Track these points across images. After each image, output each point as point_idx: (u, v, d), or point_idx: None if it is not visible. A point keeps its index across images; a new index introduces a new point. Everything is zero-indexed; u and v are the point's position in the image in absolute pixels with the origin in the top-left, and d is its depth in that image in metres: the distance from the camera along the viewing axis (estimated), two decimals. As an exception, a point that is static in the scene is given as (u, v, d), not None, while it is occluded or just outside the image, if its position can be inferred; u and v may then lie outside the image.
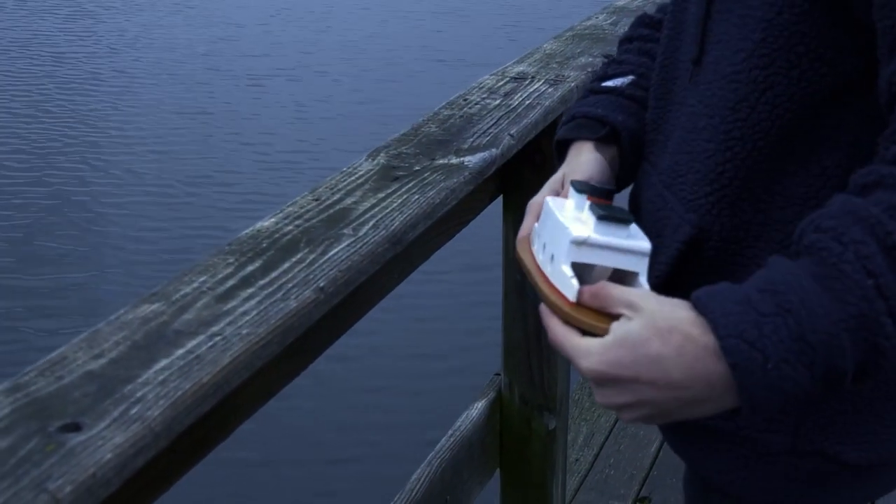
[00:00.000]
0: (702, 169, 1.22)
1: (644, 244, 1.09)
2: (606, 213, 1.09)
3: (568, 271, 1.08)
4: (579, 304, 1.06)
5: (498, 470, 2.36)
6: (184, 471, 1.19)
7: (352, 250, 1.35)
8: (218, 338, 1.12)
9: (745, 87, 1.16)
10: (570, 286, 1.07)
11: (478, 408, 2.25)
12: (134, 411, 0.98)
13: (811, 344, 0.94)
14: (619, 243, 1.08)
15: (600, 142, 1.39)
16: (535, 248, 1.19)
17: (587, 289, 1.05)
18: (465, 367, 5.34)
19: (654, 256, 1.16)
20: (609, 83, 1.46)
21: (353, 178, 1.57)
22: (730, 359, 0.95)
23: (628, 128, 1.39)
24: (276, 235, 1.36)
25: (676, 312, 0.99)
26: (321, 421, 5.18)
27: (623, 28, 2.55)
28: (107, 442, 0.94)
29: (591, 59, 2.27)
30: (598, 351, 1.00)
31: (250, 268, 1.27)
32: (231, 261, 1.29)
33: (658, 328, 0.98)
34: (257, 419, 1.35)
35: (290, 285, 1.24)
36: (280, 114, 9.94)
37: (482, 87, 2.04)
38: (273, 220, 1.41)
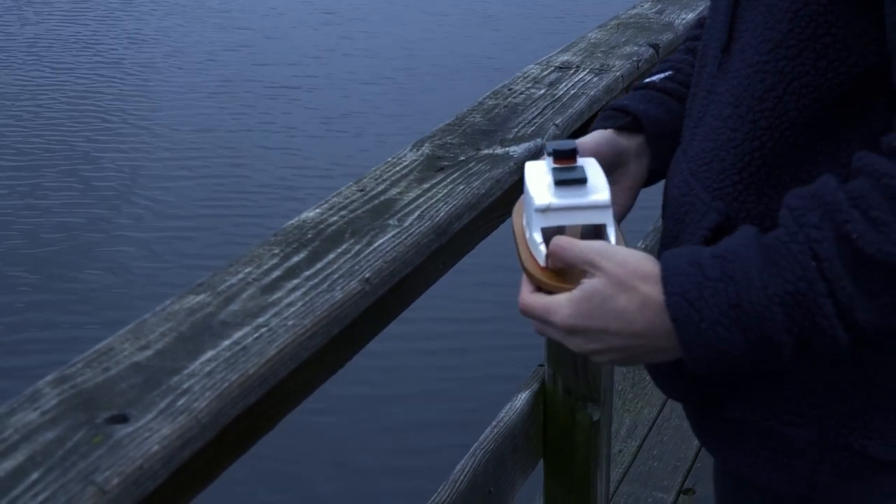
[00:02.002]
0: (728, 157, 1.21)
1: (601, 197, 1.16)
2: (563, 178, 1.16)
3: (538, 237, 1.17)
4: (549, 268, 1.15)
5: (541, 461, 2.35)
6: (229, 462, 1.18)
7: (397, 241, 1.34)
8: (264, 329, 1.11)
9: (773, 77, 1.15)
10: (539, 253, 1.16)
11: (521, 399, 2.24)
12: (180, 403, 0.98)
13: (746, 312, 1.01)
14: (579, 202, 1.16)
15: (625, 131, 1.42)
16: (524, 215, 1.25)
17: (551, 250, 1.13)
18: (509, 357, 5.33)
19: (680, 242, 1.24)
20: (647, 80, 1.50)
21: (397, 168, 1.56)
22: (671, 314, 1.04)
23: (651, 116, 1.42)
24: (322, 226, 1.36)
25: (642, 268, 1.08)
26: (364, 412, 5.18)
27: (668, 17, 2.53)
28: (154, 433, 0.94)
29: (636, 49, 2.24)
30: (566, 305, 1.10)
31: (296, 259, 1.27)
32: (276, 251, 1.28)
33: (622, 284, 1.07)
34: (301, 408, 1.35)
35: (335, 276, 1.24)
36: (325, 106, 9.96)
37: (527, 77, 2.03)
38: (318, 210, 1.40)
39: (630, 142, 1.42)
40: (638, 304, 1.07)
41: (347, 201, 1.43)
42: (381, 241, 1.33)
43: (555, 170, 1.18)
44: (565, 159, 1.18)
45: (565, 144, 1.20)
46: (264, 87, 10.51)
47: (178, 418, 0.96)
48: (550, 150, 1.19)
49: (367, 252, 1.30)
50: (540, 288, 1.16)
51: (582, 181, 1.16)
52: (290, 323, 1.13)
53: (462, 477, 1.98)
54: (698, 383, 1.29)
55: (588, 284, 1.09)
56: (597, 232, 1.17)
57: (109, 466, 0.89)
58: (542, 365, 2.32)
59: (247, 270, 1.23)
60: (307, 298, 1.18)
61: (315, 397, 1.34)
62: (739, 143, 1.19)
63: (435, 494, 1.93)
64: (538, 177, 1.20)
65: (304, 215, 1.39)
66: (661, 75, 1.50)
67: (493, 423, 2.14)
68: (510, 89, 1.95)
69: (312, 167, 8.42)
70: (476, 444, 2.07)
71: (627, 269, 1.08)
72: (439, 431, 4.94)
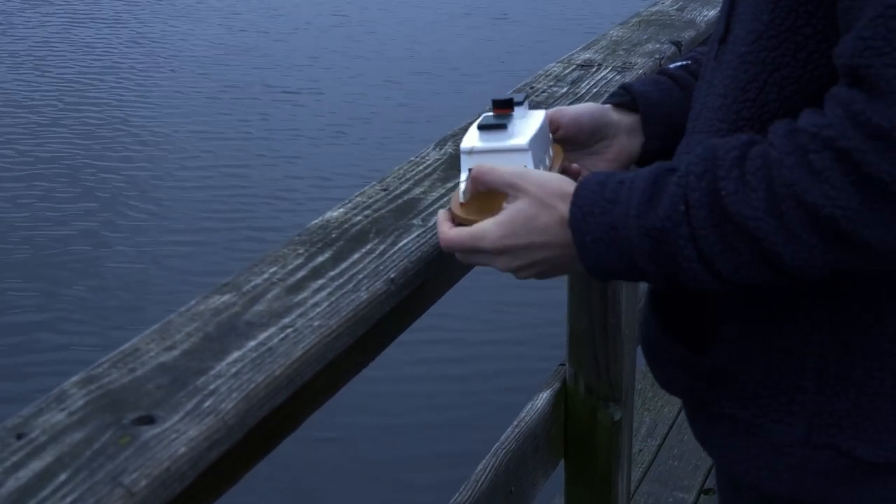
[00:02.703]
0: None
1: (520, 141, 1.25)
2: (486, 123, 1.27)
3: (462, 177, 1.26)
4: (468, 204, 1.25)
5: (562, 461, 2.34)
6: (254, 462, 1.18)
7: (422, 241, 1.33)
8: (290, 330, 1.11)
9: (755, 68, 1.16)
10: (461, 190, 1.26)
11: (543, 398, 2.23)
12: (207, 404, 0.98)
13: (620, 236, 1.11)
14: (499, 146, 1.26)
15: (622, 108, 1.49)
16: None
17: (474, 174, 1.22)
18: (530, 357, 5.32)
19: None
20: (666, 66, 1.56)
21: (420, 167, 1.56)
22: (569, 225, 1.15)
23: (648, 97, 1.48)
24: (346, 226, 1.35)
25: (560, 188, 1.18)
26: (384, 411, 5.18)
27: (690, 14, 2.52)
28: (181, 435, 0.93)
29: (658, 46, 2.24)
30: (494, 229, 1.19)
31: (320, 258, 1.27)
32: (301, 251, 1.28)
33: (543, 203, 1.17)
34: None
35: (360, 276, 1.23)
36: (346, 105, 9.93)
37: (549, 75, 2.02)
38: (342, 210, 1.40)
39: (623, 118, 1.47)
40: (558, 220, 1.17)
41: (371, 201, 1.42)
42: (405, 240, 1.33)
43: (485, 117, 1.28)
44: (501, 109, 1.29)
45: (507, 96, 1.30)
46: (279, 91, 10.44)
47: (204, 420, 0.96)
48: (492, 101, 1.30)
49: (391, 252, 1.29)
50: (460, 225, 1.24)
51: (502, 127, 1.26)
52: (315, 324, 1.13)
53: (484, 477, 1.97)
54: (690, 376, 1.29)
55: (512, 206, 1.19)
56: None
57: (137, 468, 0.88)
58: (563, 364, 2.32)
59: (272, 270, 1.23)
60: (333, 299, 1.18)
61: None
62: (724, 133, 1.20)
63: (457, 494, 1.93)
64: (475, 126, 1.30)
65: (328, 215, 1.38)
66: (679, 63, 1.54)
67: (515, 422, 2.14)
68: (532, 87, 1.94)
69: (328, 170, 8.39)
70: (497, 444, 2.06)
71: (547, 189, 1.18)
72: (459, 432, 4.94)
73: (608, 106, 1.49)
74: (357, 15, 13.80)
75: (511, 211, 1.19)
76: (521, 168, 1.22)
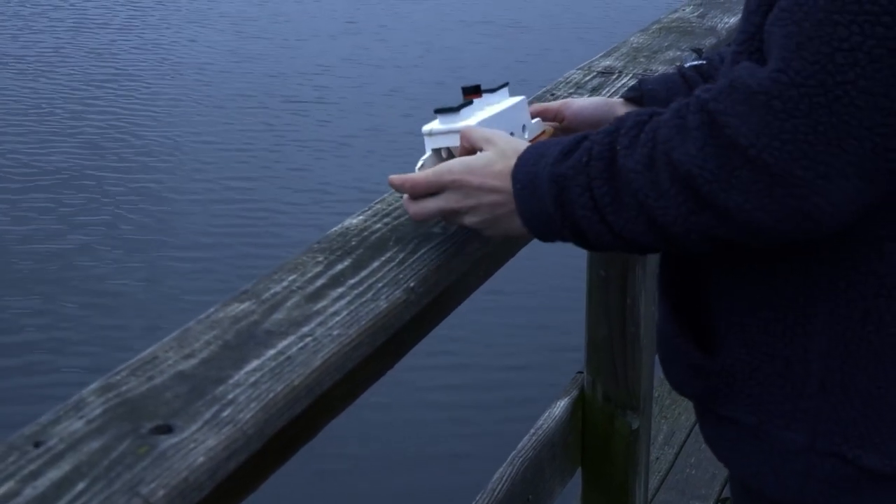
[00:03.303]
0: None
1: (469, 122, 1.37)
2: (441, 107, 1.40)
3: (424, 155, 1.40)
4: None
5: (579, 469, 2.33)
6: (271, 471, 1.17)
7: (442, 249, 1.33)
8: (309, 339, 1.10)
9: None
10: (417, 165, 1.39)
11: (560, 406, 2.22)
12: (226, 413, 0.97)
13: (537, 183, 1.21)
14: (452, 127, 1.38)
15: (632, 102, 1.56)
16: None
17: (462, 132, 1.34)
18: (548, 364, 5.31)
19: None
20: (680, 66, 1.61)
21: (440, 174, 1.55)
22: (511, 178, 1.24)
23: (654, 95, 1.54)
24: (365, 233, 1.35)
25: (521, 146, 1.27)
26: (402, 419, 5.17)
27: (710, 21, 2.51)
28: (199, 445, 0.93)
29: (678, 53, 2.22)
30: (456, 163, 1.30)
31: (340, 266, 1.26)
32: (320, 259, 1.27)
33: (504, 154, 1.27)
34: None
35: (380, 285, 1.23)
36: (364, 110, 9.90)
37: (569, 82, 2.01)
38: (361, 217, 1.39)
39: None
40: (510, 170, 1.25)
41: (391, 208, 1.42)
42: (425, 248, 1.32)
43: (464, 101, 1.42)
44: (469, 94, 1.43)
45: (475, 84, 1.45)
46: (292, 101, 10.35)
47: (223, 429, 0.95)
48: (461, 87, 1.44)
49: (411, 260, 1.29)
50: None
51: (455, 110, 1.39)
52: (334, 332, 1.12)
53: (500, 486, 1.97)
54: (700, 378, 1.31)
55: (480, 153, 1.30)
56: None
57: (155, 478, 0.88)
58: (580, 372, 2.31)
59: (291, 278, 1.22)
60: (352, 308, 1.17)
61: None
62: None
63: (473, 502, 1.92)
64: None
65: (347, 222, 1.38)
66: (693, 63, 1.58)
67: (532, 430, 2.14)
68: (552, 95, 1.93)
69: (341, 181, 8.36)
70: (514, 452, 2.06)
71: (512, 144, 1.28)
72: (474, 440, 4.93)
73: (618, 100, 1.58)
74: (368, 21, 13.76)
75: (477, 155, 1.30)
76: (501, 131, 1.34)
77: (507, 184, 1.25)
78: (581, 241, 1.22)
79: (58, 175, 8.33)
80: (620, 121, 1.17)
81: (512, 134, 1.41)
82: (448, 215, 1.31)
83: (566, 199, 1.18)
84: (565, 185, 1.17)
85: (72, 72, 11.17)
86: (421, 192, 1.31)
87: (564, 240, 1.24)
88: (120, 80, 10.98)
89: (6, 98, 10.16)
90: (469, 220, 1.29)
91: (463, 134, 1.34)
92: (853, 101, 1.01)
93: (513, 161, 1.25)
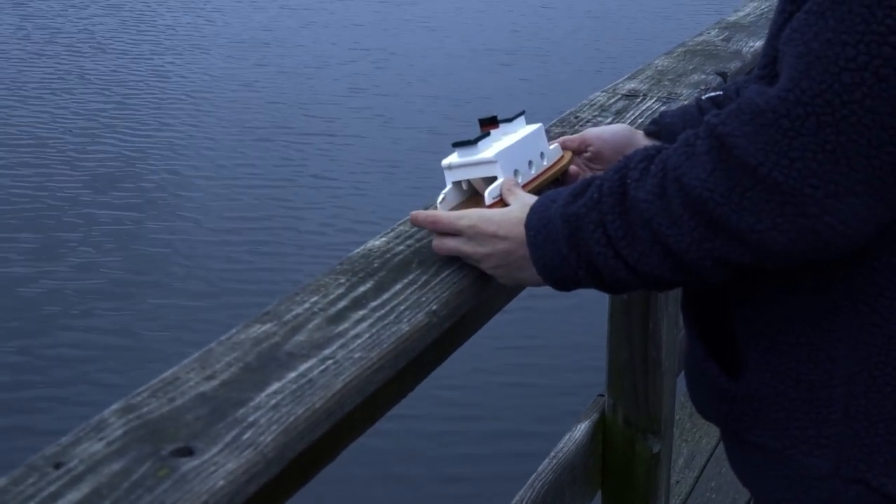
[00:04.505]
0: None
1: (487, 154, 1.39)
2: (459, 141, 1.42)
3: (445, 189, 1.43)
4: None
5: (599, 492, 2.32)
6: (291, 493, 1.17)
7: (464, 272, 1.32)
8: (330, 361, 1.10)
9: None
10: (438, 199, 1.41)
11: (581, 429, 2.21)
12: (246, 436, 0.97)
13: (549, 226, 1.21)
14: (470, 160, 1.40)
15: (652, 136, 1.58)
16: None
17: (504, 184, 1.37)
18: (569, 387, 5.28)
19: None
20: (698, 97, 1.63)
21: (463, 197, 1.54)
22: (525, 226, 1.25)
23: (671, 127, 1.56)
24: (388, 255, 1.34)
25: (530, 199, 1.29)
26: (422, 441, 5.15)
27: (735, 44, 2.50)
28: (219, 468, 0.92)
29: (703, 77, 2.22)
30: (473, 212, 1.31)
31: (362, 288, 1.26)
32: (342, 281, 1.27)
33: (524, 204, 1.28)
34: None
35: (402, 308, 1.22)
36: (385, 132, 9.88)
37: (593, 105, 2.00)
38: (384, 239, 1.39)
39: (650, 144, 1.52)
40: (524, 219, 1.26)
41: (413, 230, 1.41)
42: (448, 271, 1.32)
43: (482, 134, 1.44)
44: (486, 126, 1.45)
45: (491, 115, 1.47)
46: (315, 133, 10.24)
47: (243, 452, 0.95)
48: (478, 119, 1.46)
49: (434, 283, 1.28)
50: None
51: (472, 143, 1.41)
52: (356, 356, 1.12)
53: (520, 508, 1.95)
54: (726, 402, 1.30)
55: (502, 206, 1.33)
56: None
57: (175, 501, 0.88)
58: (601, 395, 2.29)
59: (313, 300, 1.22)
60: (374, 330, 1.17)
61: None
62: None
63: (493, 525, 1.91)
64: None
65: (370, 244, 1.38)
66: (711, 94, 1.60)
67: (552, 453, 2.12)
68: (577, 117, 1.93)
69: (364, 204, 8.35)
70: (534, 475, 2.04)
71: (531, 197, 1.30)
72: (495, 462, 4.90)
73: (640, 132, 1.60)
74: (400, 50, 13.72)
75: (495, 209, 1.32)
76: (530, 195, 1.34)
77: (520, 232, 1.26)
78: (597, 281, 1.22)
79: (92, 185, 8.38)
80: (629, 158, 1.18)
81: (530, 162, 1.43)
82: (465, 258, 1.32)
83: (580, 237, 1.19)
84: (578, 224, 1.19)
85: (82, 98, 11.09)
86: (440, 232, 1.33)
87: (580, 284, 1.24)
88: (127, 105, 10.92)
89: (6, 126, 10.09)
90: (484, 266, 1.31)
91: (509, 188, 1.37)
92: (860, 119, 1.02)
93: (526, 211, 1.26)
